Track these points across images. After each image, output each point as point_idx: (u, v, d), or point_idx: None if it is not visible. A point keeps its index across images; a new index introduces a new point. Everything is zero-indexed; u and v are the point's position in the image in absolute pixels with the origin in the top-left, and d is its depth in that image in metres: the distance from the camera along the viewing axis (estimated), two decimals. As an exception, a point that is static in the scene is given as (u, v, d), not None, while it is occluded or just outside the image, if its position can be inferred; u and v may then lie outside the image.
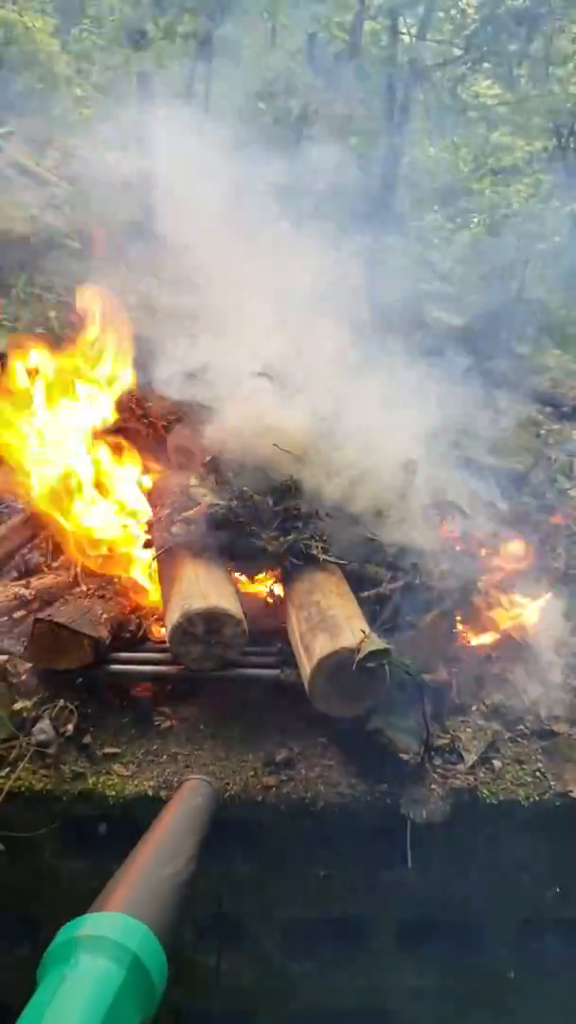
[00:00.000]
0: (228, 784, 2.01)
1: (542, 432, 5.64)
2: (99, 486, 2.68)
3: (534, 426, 5.73)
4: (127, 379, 2.95)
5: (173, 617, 2.13)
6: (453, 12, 10.23)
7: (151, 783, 2.01)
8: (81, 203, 7.38)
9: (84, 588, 2.37)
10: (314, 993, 2.22)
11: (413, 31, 9.75)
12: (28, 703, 2.13)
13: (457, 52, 9.99)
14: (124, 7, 9.20)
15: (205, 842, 1.66)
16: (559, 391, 7.05)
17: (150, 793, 1.98)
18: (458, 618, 2.50)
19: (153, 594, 2.49)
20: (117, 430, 2.82)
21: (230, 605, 2.16)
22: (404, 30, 9.74)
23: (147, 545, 2.52)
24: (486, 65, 10.36)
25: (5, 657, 2.24)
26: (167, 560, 2.40)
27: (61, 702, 2.14)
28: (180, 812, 1.71)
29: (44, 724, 2.07)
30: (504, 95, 11.09)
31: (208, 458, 2.53)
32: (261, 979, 2.18)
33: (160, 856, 1.49)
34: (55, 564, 2.68)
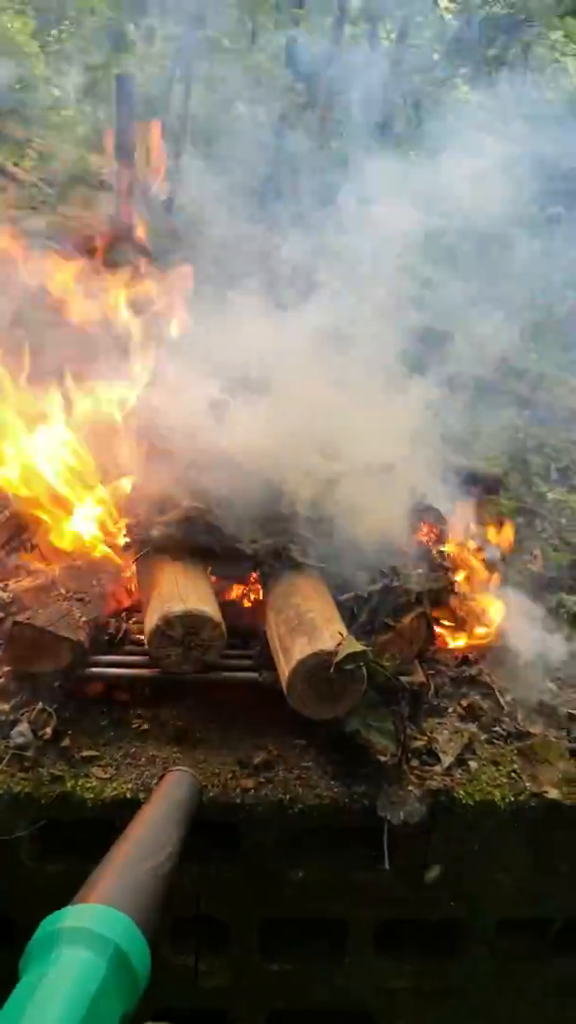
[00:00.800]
0: (207, 786, 2.01)
1: (520, 435, 5.67)
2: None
3: (512, 429, 5.76)
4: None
5: (152, 620, 2.14)
6: (432, 17, 10.30)
7: (130, 786, 2.01)
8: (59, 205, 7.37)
9: (63, 591, 2.37)
10: (292, 993, 2.23)
11: (392, 36, 9.81)
12: (6, 706, 2.13)
13: (436, 57, 10.06)
14: (104, 8, 9.20)
15: (188, 834, 1.65)
16: (538, 394, 7.09)
17: (129, 796, 1.99)
18: (435, 620, 2.53)
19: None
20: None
21: (209, 608, 2.17)
22: (383, 35, 9.80)
23: (126, 548, 2.52)
24: (464, 70, 10.42)
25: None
26: (146, 563, 2.41)
27: (39, 705, 2.14)
28: (163, 804, 1.70)
29: (22, 727, 2.07)
30: (484, 101, 11.17)
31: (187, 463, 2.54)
32: (239, 979, 2.19)
33: (143, 848, 1.49)
34: (35, 566, 2.67)
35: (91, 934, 1.18)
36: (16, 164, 8.01)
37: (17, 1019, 1.03)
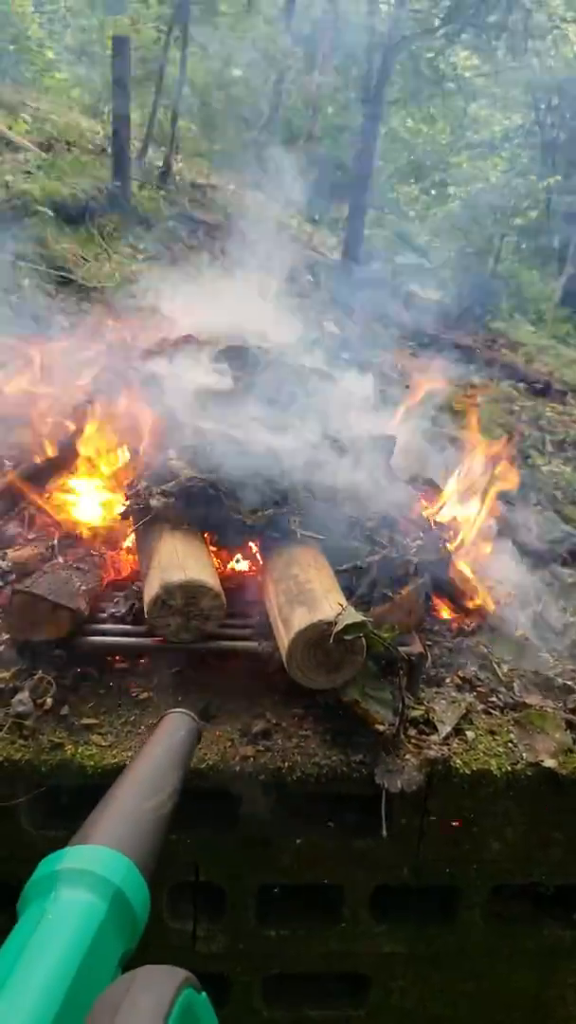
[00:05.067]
0: (206, 754, 2.03)
1: (515, 408, 5.67)
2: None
3: (507, 402, 5.77)
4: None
5: (152, 589, 2.14)
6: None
7: (129, 753, 2.03)
8: (54, 169, 7.28)
9: (62, 560, 2.37)
10: (289, 958, 2.26)
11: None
12: (6, 674, 2.14)
13: (436, 22, 9.90)
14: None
15: (187, 776, 1.64)
16: (532, 366, 7.10)
17: (128, 763, 1.99)
18: (433, 591, 2.54)
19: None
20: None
21: (208, 577, 2.17)
22: (383, -1, 9.65)
23: (124, 516, 2.52)
24: (465, 36, 10.27)
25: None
26: (145, 533, 2.41)
27: (39, 673, 2.14)
28: (162, 745, 1.68)
29: (22, 696, 2.08)
30: (482, 67, 11.02)
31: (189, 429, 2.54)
32: (236, 945, 2.22)
33: (142, 790, 1.47)
34: (32, 535, 2.67)
35: (91, 875, 1.16)
36: (9, 127, 7.90)
37: (16, 958, 1.02)
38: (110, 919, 1.11)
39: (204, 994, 0.94)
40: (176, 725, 1.76)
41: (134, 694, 2.19)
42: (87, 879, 1.16)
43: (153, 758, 1.61)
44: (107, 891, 1.15)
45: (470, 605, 2.63)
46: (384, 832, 2.03)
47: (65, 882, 1.15)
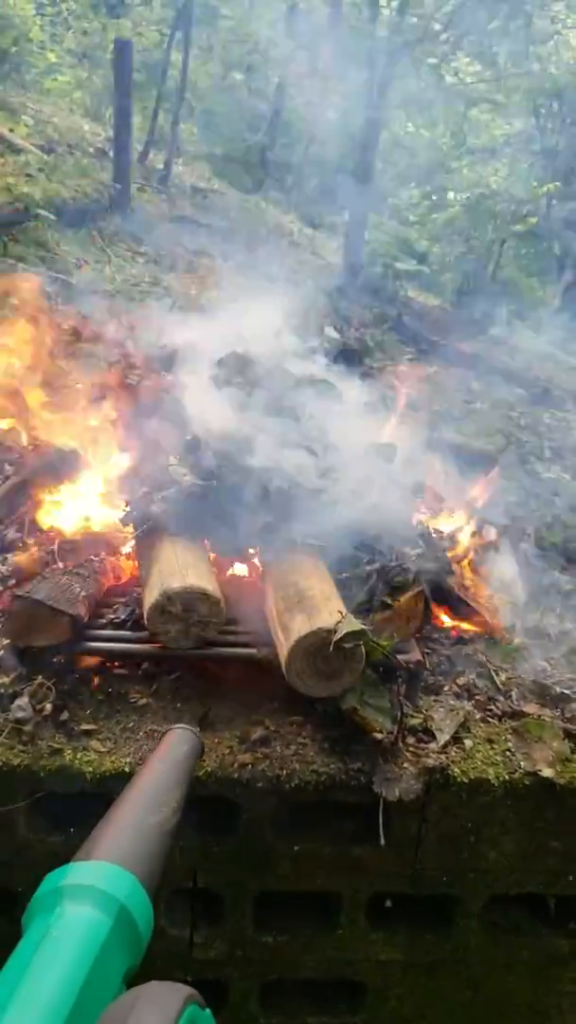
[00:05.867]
0: (204, 761, 2.03)
1: (515, 414, 5.69)
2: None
3: (507, 408, 5.78)
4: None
5: (152, 595, 2.15)
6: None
7: (128, 759, 2.03)
8: (55, 172, 7.29)
9: (62, 565, 2.37)
10: (286, 965, 2.26)
11: (394, 4, 9.66)
12: (6, 679, 2.14)
13: (437, 27, 9.91)
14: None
15: (190, 791, 1.65)
16: (532, 373, 7.11)
17: (127, 769, 2.00)
18: (432, 599, 2.54)
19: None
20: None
21: (208, 584, 2.18)
22: (384, 3, 9.66)
23: (125, 522, 2.52)
24: (466, 42, 10.29)
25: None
26: (145, 539, 2.41)
27: (39, 679, 2.14)
28: (166, 761, 1.69)
29: (22, 701, 2.08)
30: (483, 73, 11.03)
31: (189, 437, 2.54)
32: (233, 951, 2.22)
33: (146, 805, 1.48)
34: (32, 540, 2.67)
35: (95, 891, 1.17)
36: (11, 130, 7.91)
37: (21, 974, 1.02)
38: (114, 935, 1.12)
39: (208, 1010, 0.95)
40: (179, 741, 1.77)
41: (133, 700, 2.19)
42: (91, 895, 1.17)
43: (157, 774, 1.62)
44: (111, 907, 1.16)
45: (469, 613, 2.63)
46: (382, 840, 2.03)
47: (69, 898, 1.16)
